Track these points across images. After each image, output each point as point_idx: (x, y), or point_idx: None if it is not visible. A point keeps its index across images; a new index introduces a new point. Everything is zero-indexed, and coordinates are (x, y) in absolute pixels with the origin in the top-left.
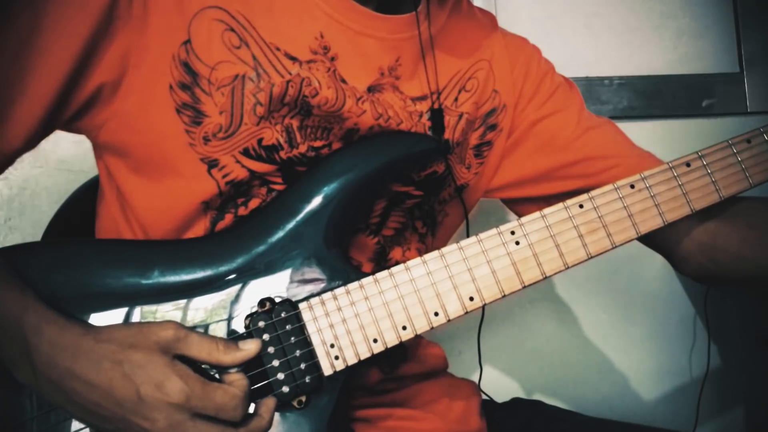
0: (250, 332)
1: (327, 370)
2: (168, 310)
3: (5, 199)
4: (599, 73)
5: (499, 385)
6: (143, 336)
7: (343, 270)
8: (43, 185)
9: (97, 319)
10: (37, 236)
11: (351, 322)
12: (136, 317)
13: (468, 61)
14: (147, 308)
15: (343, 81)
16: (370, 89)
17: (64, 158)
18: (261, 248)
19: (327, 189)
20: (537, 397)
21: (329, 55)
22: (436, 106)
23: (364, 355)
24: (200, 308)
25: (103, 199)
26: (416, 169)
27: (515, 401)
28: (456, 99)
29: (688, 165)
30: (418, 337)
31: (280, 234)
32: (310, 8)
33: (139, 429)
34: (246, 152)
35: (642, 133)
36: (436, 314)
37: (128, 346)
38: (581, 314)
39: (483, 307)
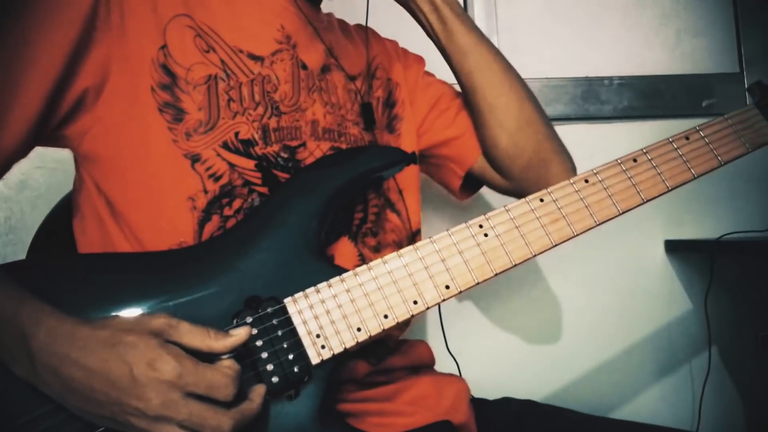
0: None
1: (314, 359)
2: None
3: (5, 199)
4: (599, 73)
5: (497, 385)
6: (137, 323)
7: (323, 267)
8: (43, 185)
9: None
10: None
11: (334, 312)
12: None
13: (372, 52)
14: (136, 311)
15: (304, 66)
16: (323, 69)
17: (62, 158)
18: (246, 254)
19: (305, 199)
20: (536, 397)
21: (291, 42)
22: (366, 99)
23: (350, 343)
24: (188, 310)
25: (83, 212)
26: (386, 177)
27: (507, 399)
28: (370, 86)
29: (635, 160)
30: (403, 340)
31: (263, 240)
32: (269, 5)
33: (132, 411)
34: (225, 145)
35: (642, 133)
36: (415, 302)
37: (122, 331)
38: (581, 314)
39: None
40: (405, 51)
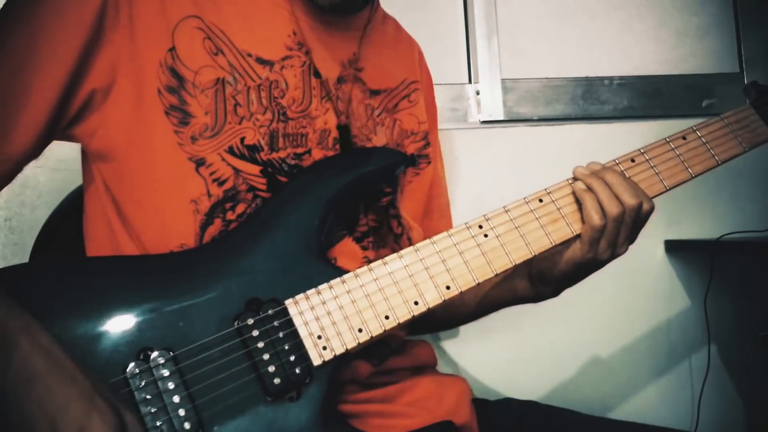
0: (240, 329)
1: (316, 360)
2: (158, 317)
3: (5, 199)
4: (599, 73)
5: (496, 385)
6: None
7: (324, 269)
8: (43, 185)
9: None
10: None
11: (336, 313)
12: (127, 325)
13: (405, 74)
14: (139, 317)
15: (317, 74)
16: (339, 80)
17: (63, 158)
18: (246, 256)
19: (304, 201)
20: (536, 397)
21: (304, 49)
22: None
23: (351, 344)
24: (189, 313)
25: (91, 212)
26: (386, 180)
27: (508, 400)
28: (396, 105)
29: (632, 161)
30: (405, 340)
31: (264, 242)
32: (279, 11)
33: None
34: (231, 150)
35: (642, 133)
36: (416, 303)
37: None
38: (581, 314)
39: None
40: (431, 83)
